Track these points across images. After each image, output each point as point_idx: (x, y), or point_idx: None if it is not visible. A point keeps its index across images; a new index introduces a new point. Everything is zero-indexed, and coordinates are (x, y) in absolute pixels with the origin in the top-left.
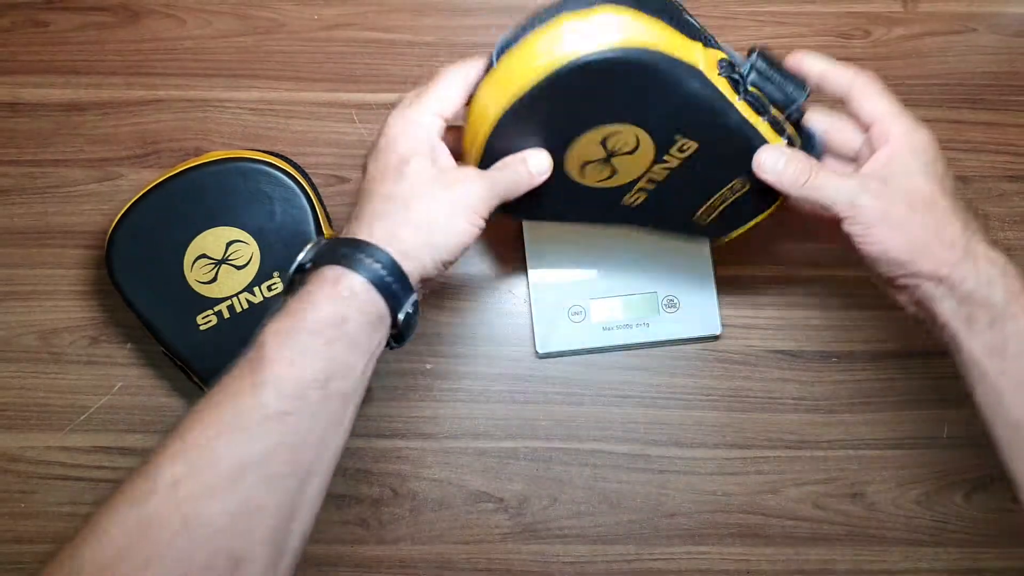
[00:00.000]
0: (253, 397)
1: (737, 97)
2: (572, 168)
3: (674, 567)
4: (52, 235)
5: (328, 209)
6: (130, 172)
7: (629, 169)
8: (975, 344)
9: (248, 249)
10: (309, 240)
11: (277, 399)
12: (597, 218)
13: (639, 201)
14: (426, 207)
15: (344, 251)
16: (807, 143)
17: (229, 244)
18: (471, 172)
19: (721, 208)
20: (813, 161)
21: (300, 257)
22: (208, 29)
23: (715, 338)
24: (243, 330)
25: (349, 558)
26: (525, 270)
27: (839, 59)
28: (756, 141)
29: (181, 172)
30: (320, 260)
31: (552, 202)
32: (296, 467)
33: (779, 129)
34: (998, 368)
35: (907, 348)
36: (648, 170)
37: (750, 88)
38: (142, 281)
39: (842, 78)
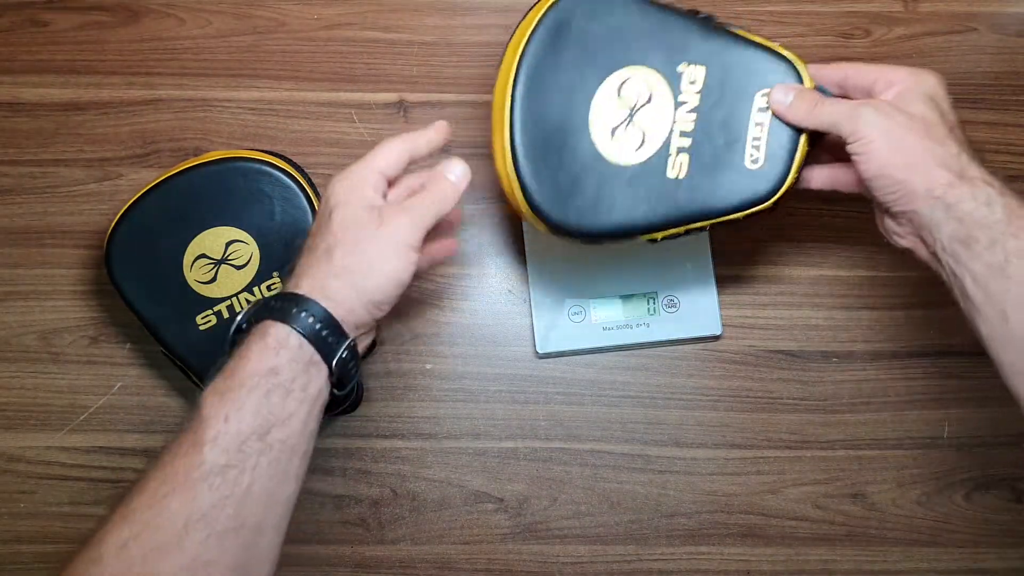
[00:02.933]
0: (195, 455)
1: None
2: (600, 138)
3: (674, 567)
4: (52, 235)
5: None
6: (130, 172)
7: (655, 125)
8: (976, 266)
9: (248, 249)
10: None
11: (217, 454)
12: (658, 209)
13: (685, 170)
14: (349, 254)
15: (274, 305)
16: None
17: (229, 244)
18: (394, 208)
19: (766, 143)
20: (818, 94)
21: (238, 319)
22: (208, 29)
23: (715, 338)
24: None
25: (349, 558)
26: (525, 270)
27: (840, 59)
28: (753, 47)
29: (181, 172)
30: (255, 318)
31: (607, 200)
32: (244, 520)
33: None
34: (1002, 288)
35: (907, 348)
36: (673, 123)
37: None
38: (142, 281)
39: (867, 72)
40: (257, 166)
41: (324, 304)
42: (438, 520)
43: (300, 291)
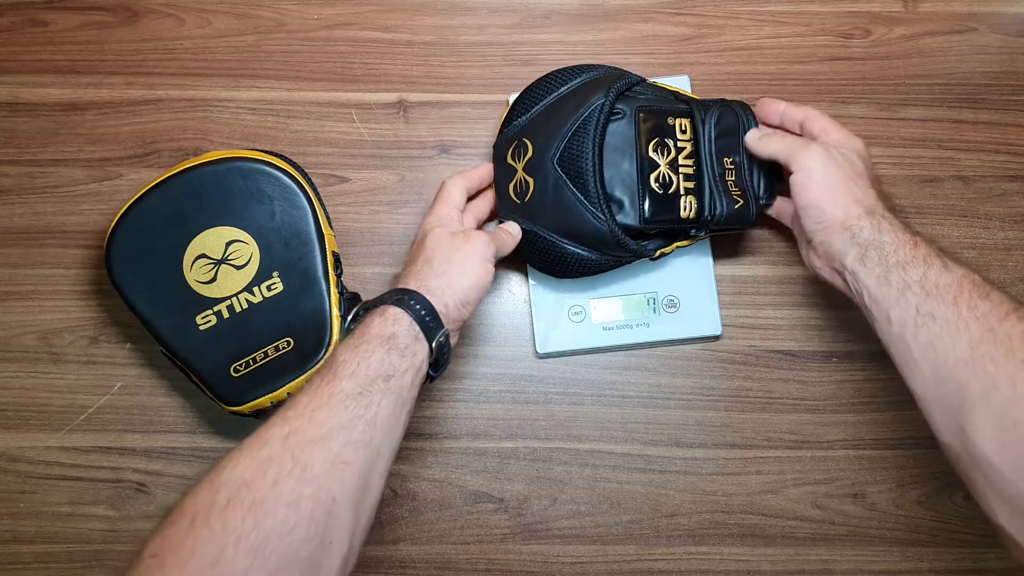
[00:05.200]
0: (336, 384)
1: None
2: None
3: (674, 567)
4: (52, 235)
5: (328, 209)
6: (130, 172)
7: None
8: (870, 280)
9: (247, 249)
10: (309, 239)
11: (353, 386)
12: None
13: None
14: (446, 261)
15: (389, 296)
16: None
17: (229, 244)
18: (474, 231)
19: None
20: (780, 132)
21: (364, 302)
22: (208, 29)
23: (715, 338)
24: (242, 330)
25: None
26: (525, 270)
27: (840, 59)
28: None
29: (181, 172)
30: (375, 303)
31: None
32: (371, 439)
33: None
34: (885, 295)
35: None
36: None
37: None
38: (141, 281)
39: (797, 113)
40: (257, 166)
41: (427, 297)
42: (438, 520)
43: (409, 287)
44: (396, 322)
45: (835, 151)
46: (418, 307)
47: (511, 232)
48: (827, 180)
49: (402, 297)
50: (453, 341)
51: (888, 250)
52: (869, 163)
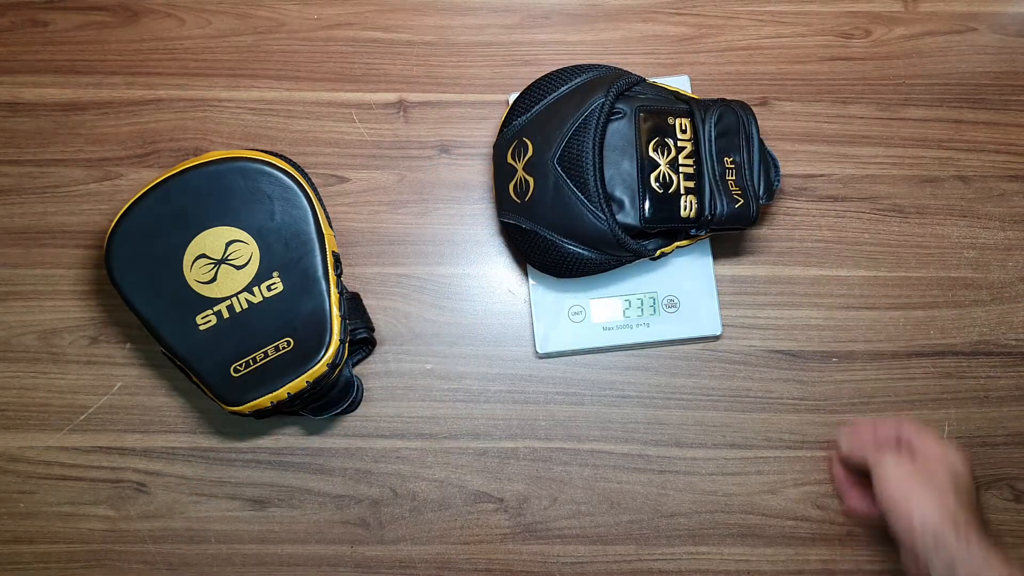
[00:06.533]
0: None
1: None
2: None
3: (674, 567)
4: (52, 235)
5: (328, 209)
6: (130, 172)
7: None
8: None
9: (247, 249)
10: (309, 239)
11: None
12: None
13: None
14: None
15: None
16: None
17: (228, 244)
18: None
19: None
20: (867, 435)
21: None
22: (208, 29)
23: (715, 338)
24: (242, 330)
25: (349, 558)
26: (525, 270)
27: (840, 59)
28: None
29: (180, 172)
30: None
31: None
32: None
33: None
34: None
35: (907, 348)
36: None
37: None
38: (141, 281)
39: (889, 426)
40: (257, 166)
41: None
42: (438, 520)
43: None
44: None
45: (908, 461)
46: None
47: None
48: (905, 483)
49: None
50: None
51: (979, 566)
52: (966, 479)
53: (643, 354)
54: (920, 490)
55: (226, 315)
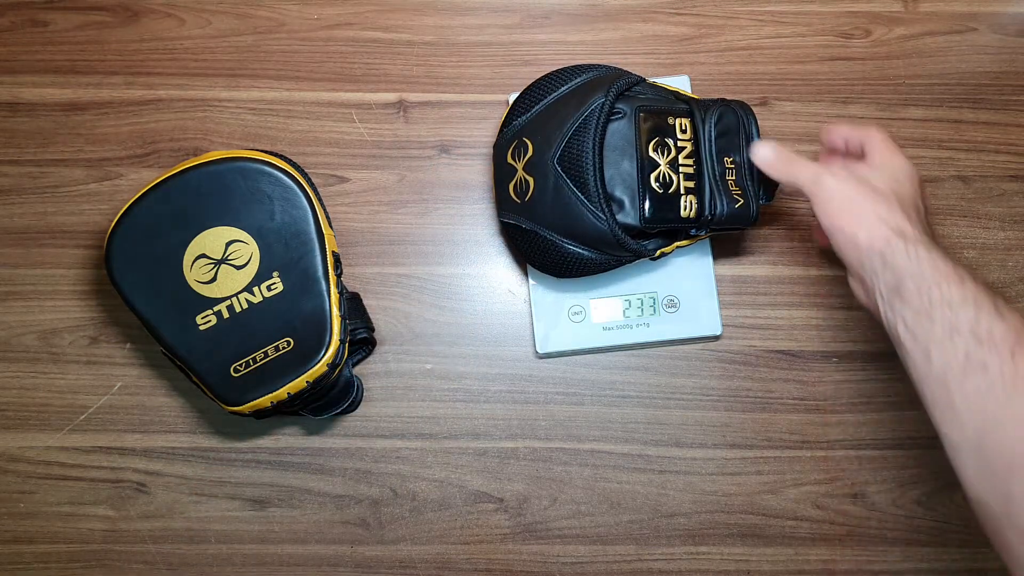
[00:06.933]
0: None
1: None
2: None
3: (674, 567)
4: (52, 235)
5: (328, 209)
6: (130, 172)
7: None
8: (907, 312)
9: (247, 249)
10: (309, 239)
11: None
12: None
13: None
14: None
15: None
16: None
17: (228, 244)
18: None
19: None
20: (793, 154)
21: None
22: (208, 29)
23: (715, 338)
24: (242, 330)
25: (349, 558)
26: (525, 270)
27: (840, 59)
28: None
29: (180, 172)
30: None
31: None
32: None
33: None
34: (926, 331)
35: None
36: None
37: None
38: (141, 281)
39: (857, 134)
40: (257, 166)
41: None
42: (438, 520)
43: None
44: None
45: (850, 175)
46: None
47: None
48: (845, 205)
49: None
50: None
51: (928, 283)
52: (917, 188)
53: (643, 354)
54: (864, 207)
55: (226, 315)
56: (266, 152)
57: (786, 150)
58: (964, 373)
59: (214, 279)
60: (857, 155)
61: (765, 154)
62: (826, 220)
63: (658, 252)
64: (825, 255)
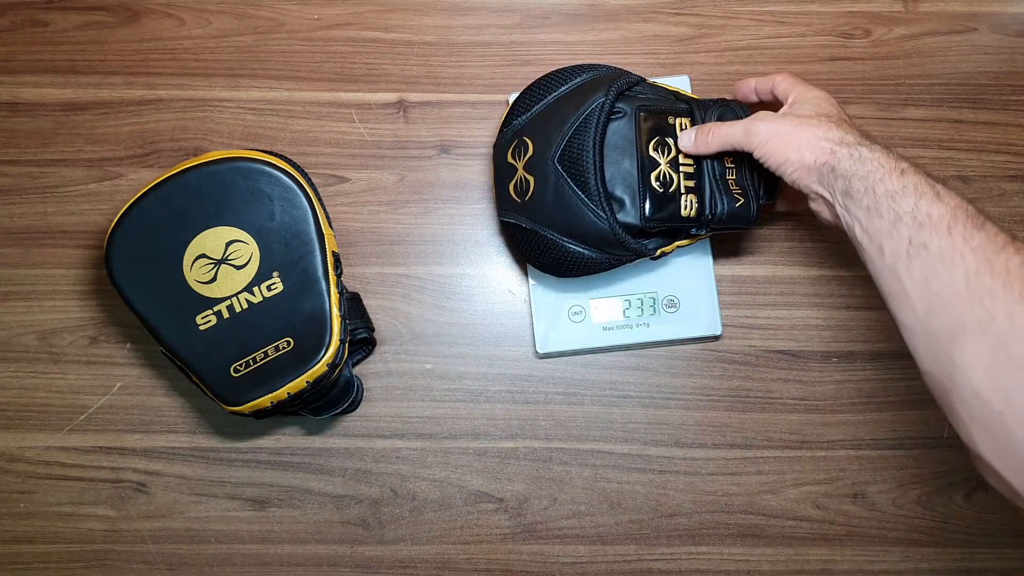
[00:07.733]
0: None
1: None
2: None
3: (674, 567)
4: (52, 235)
5: (328, 209)
6: (130, 172)
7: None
8: (859, 212)
9: (247, 249)
10: (309, 239)
11: None
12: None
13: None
14: None
15: None
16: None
17: (228, 244)
18: None
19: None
20: (709, 124)
21: None
22: (208, 29)
23: (715, 338)
24: (242, 330)
25: (349, 558)
26: (525, 270)
27: (840, 59)
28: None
29: (180, 172)
30: None
31: None
32: None
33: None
34: (876, 226)
35: (907, 348)
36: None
37: None
38: (141, 281)
39: (767, 84)
40: (257, 166)
41: None
42: (438, 520)
43: None
44: None
45: (775, 114)
46: None
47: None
48: (782, 138)
49: None
50: None
51: (874, 179)
52: (838, 108)
53: (643, 354)
54: (801, 133)
55: (226, 315)
56: (266, 152)
57: (705, 125)
58: (909, 257)
59: (214, 279)
60: (771, 103)
61: (687, 140)
62: (771, 160)
63: (658, 251)
64: (826, 254)
